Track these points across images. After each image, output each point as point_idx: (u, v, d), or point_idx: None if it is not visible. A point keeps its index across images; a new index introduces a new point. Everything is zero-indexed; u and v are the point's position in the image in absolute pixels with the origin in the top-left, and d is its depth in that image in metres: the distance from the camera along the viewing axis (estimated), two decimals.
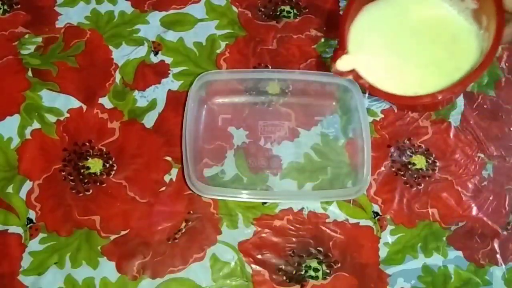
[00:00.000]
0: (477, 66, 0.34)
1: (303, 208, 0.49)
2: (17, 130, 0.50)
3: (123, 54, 0.54)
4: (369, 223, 0.49)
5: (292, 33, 0.56)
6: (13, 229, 0.47)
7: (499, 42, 0.32)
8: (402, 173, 0.51)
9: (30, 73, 0.53)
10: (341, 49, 0.37)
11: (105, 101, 0.52)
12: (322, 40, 0.56)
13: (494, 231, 0.49)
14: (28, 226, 0.47)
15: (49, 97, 0.52)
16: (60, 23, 0.55)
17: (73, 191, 0.48)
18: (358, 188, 0.47)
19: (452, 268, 0.48)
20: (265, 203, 0.49)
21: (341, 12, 0.58)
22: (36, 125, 0.51)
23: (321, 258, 0.47)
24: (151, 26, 0.56)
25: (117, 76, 0.53)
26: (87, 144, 0.50)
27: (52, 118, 0.51)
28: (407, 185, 0.51)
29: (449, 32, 0.37)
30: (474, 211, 0.50)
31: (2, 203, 0.48)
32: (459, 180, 0.51)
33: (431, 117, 0.53)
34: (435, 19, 0.37)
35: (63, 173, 0.49)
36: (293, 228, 0.48)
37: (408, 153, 0.52)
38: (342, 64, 0.37)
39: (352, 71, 0.37)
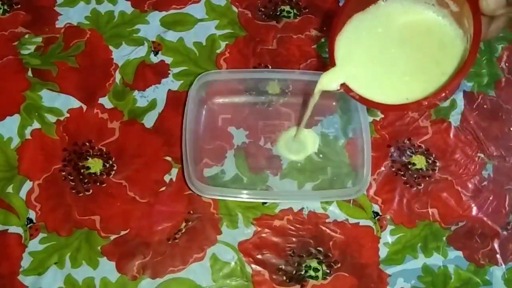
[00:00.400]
0: (459, 69, 0.34)
1: (303, 208, 0.49)
2: (17, 130, 0.50)
3: (123, 54, 0.54)
4: (369, 223, 0.49)
5: (292, 33, 0.56)
6: (13, 229, 0.47)
7: (478, 44, 0.33)
8: (402, 173, 0.51)
9: (30, 73, 0.53)
10: (331, 64, 0.38)
11: (105, 101, 0.52)
12: (322, 40, 0.56)
13: (494, 231, 0.49)
14: (28, 226, 0.47)
15: (49, 97, 0.52)
16: (60, 23, 0.55)
17: (73, 191, 0.48)
18: (358, 188, 0.47)
19: (452, 268, 0.48)
20: (265, 203, 0.49)
21: None
22: (36, 125, 0.51)
23: (321, 258, 0.47)
24: (151, 26, 0.56)
25: (117, 76, 0.53)
26: (87, 144, 0.50)
27: (52, 118, 0.51)
28: (407, 185, 0.51)
29: (435, 38, 0.37)
30: (474, 211, 0.50)
31: (2, 203, 0.48)
32: (459, 180, 0.51)
33: (431, 117, 0.53)
34: (420, 26, 0.38)
35: (63, 173, 0.49)
36: (293, 228, 0.48)
37: (408, 153, 0.52)
38: (332, 77, 0.39)
39: (343, 85, 0.38)
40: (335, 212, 0.49)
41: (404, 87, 0.37)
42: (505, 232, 0.49)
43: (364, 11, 0.38)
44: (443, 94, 0.34)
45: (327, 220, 0.49)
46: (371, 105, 0.38)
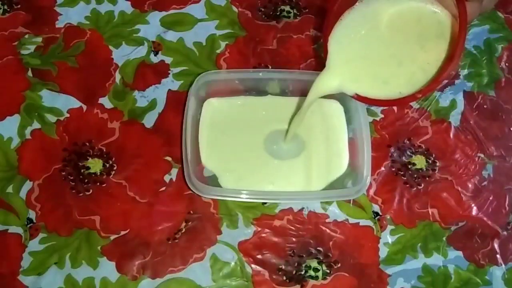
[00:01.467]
0: (449, 57, 0.34)
1: (303, 208, 0.49)
2: (17, 130, 0.50)
3: (123, 54, 0.54)
4: (369, 223, 0.49)
5: (292, 33, 0.56)
6: (13, 229, 0.47)
7: (465, 27, 0.32)
8: (402, 173, 0.51)
9: (30, 73, 0.53)
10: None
11: (105, 101, 0.52)
12: (322, 40, 0.56)
13: (494, 231, 0.49)
14: (28, 226, 0.47)
15: (49, 97, 0.52)
16: (60, 23, 0.55)
17: (73, 191, 0.48)
18: (358, 188, 0.47)
19: (452, 268, 0.48)
20: (265, 203, 0.49)
21: None
22: (36, 125, 0.51)
23: (321, 258, 0.47)
24: (151, 26, 0.56)
25: (117, 76, 0.53)
26: (87, 144, 0.50)
27: (52, 118, 0.51)
28: (407, 185, 0.51)
29: (424, 28, 0.37)
30: (474, 211, 0.50)
31: (2, 203, 0.48)
32: (459, 180, 0.51)
33: (431, 117, 0.53)
34: (409, 17, 0.38)
35: (63, 173, 0.49)
36: (293, 228, 0.48)
37: (408, 153, 0.52)
38: (327, 80, 0.39)
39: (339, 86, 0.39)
40: (335, 212, 0.49)
41: (397, 81, 0.37)
42: (505, 232, 0.49)
43: (353, 8, 0.39)
44: (437, 85, 0.34)
45: (327, 220, 0.49)
46: (367, 102, 0.39)
